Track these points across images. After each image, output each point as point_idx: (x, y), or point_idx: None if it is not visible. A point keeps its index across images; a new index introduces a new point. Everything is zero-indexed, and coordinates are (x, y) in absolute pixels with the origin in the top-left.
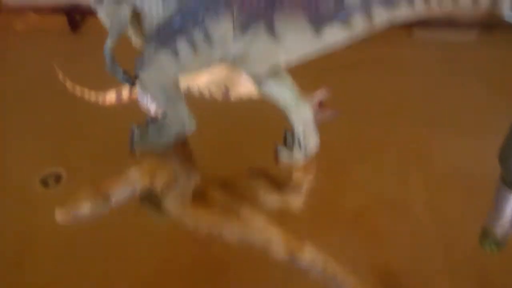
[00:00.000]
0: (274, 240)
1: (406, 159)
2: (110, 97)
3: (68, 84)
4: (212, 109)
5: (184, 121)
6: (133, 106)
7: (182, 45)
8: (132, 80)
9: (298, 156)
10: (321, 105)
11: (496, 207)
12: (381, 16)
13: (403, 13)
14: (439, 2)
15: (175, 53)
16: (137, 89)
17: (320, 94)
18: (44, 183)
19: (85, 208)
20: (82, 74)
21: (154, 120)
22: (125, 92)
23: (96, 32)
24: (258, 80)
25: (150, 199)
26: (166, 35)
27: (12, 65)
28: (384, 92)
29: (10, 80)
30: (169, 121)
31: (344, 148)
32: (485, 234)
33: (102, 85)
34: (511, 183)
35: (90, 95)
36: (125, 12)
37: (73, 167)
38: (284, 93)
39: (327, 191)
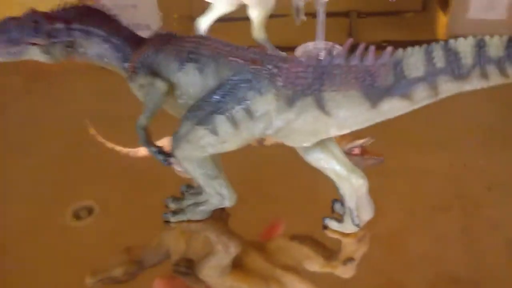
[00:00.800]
0: None
1: (471, 223)
2: (143, 151)
3: (100, 138)
4: (248, 159)
5: (223, 196)
6: None
7: (222, 123)
8: (167, 158)
9: (350, 228)
10: (363, 151)
11: None
12: (448, 90)
13: (474, 86)
14: None
15: (214, 131)
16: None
17: (362, 140)
18: (77, 216)
19: (117, 272)
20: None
21: (190, 189)
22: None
23: None
24: (303, 150)
25: (185, 265)
26: (204, 112)
27: (57, 101)
28: (438, 132)
29: (53, 114)
30: (207, 195)
31: (397, 211)
32: None
33: None
34: None
35: (122, 150)
36: (160, 90)
37: (104, 200)
38: (332, 163)
39: (384, 264)
